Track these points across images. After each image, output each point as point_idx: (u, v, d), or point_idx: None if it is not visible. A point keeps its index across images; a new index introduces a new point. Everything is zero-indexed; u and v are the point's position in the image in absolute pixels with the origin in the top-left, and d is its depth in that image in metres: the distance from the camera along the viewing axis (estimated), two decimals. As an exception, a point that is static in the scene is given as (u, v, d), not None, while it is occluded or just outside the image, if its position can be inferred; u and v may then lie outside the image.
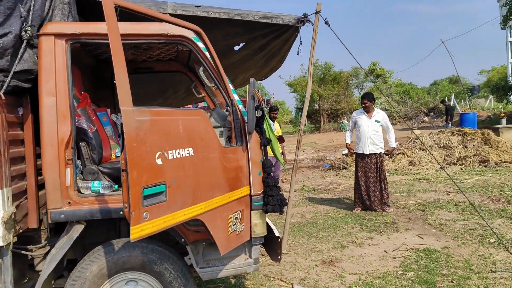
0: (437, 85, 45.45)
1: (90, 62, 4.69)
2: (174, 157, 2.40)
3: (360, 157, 7.24)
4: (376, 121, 7.02)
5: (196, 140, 2.60)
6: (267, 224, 3.63)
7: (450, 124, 18.13)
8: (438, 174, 10.17)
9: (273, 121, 8.38)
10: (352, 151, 7.64)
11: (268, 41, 5.47)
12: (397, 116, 35.16)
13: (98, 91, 4.94)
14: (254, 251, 3.31)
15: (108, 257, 2.97)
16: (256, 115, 3.22)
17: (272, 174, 3.26)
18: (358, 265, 4.84)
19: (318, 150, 19.74)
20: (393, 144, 7.29)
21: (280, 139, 8.27)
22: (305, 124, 41.08)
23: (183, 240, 3.07)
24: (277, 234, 3.48)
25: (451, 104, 23.33)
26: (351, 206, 7.58)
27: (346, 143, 7.75)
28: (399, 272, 4.52)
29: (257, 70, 6.84)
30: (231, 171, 3.00)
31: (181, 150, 2.45)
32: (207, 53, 3.18)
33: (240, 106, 3.22)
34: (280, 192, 3.29)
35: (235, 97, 3.19)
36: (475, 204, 6.94)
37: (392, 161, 11.82)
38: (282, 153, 8.55)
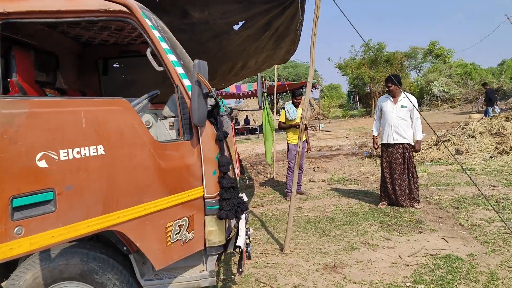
0: (505, 65, 41.98)
1: (70, 46, 4.38)
2: (70, 157, 1.99)
3: (385, 147, 6.51)
4: (402, 106, 6.19)
5: (110, 136, 2.17)
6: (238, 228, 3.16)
7: (491, 110, 16.44)
8: (486, 164, 9.11)
9: (297, 106, 7.78)
10: (377, 146, 6.85)
11: (270, 19, 4.90)
12: (457, 99, 32.87)
13: (84, 77, 4.64)
14: (210, 262, 2.85)
15: (44, 264, 2.64)
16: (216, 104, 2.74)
17: (228, 173, 2.77)
18: (363, 273, 4.25)
19: (363, 136, 18.76)
20: (418, 136, 6.33)
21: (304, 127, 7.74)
22: (357, 108, 39.59)
23: (125, 248, 2.67)
24: (240, 242, 2.99)
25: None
26: (378, 200, 6.88)
27: (373, 136, 6.96)
28: (408, 285, 3.88)
29: (270, 53, 6.28)
30: (171, 171, 2.54)
31: (82, 148, 2.03)
32: (155, 32, 2.72)
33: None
34: (239, 195, 2.79)
35: (185, 82, 2.71)
36: (520, 201, 6.03)
37: (437, 149, 10.81)
38: (306, 141, 7.95)
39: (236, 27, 5.04)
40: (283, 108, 7.92)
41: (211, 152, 2.72)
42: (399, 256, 4.58)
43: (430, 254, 4.54)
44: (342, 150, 14.56)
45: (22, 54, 3.07)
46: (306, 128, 7.80)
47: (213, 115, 2.72)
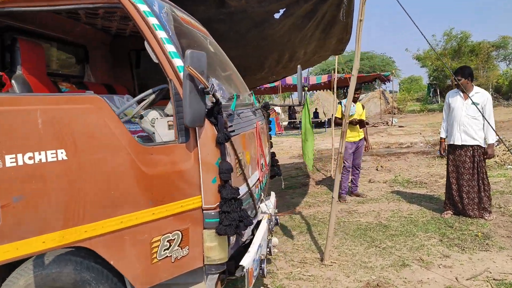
0: None
1: (99, 38, 4.24)
2: (20, 164, 1.73)
3: (452, 148, 5.72)
4: (474, 103, 5.32)
5: (75, 139, 1.88)
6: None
7: None
8: None
9: (355, 101, 7.17)
10: (445, 151, 6.01)
11: (314, 6, 4.42)
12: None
13: (115, 71, 4.49)
14: (210, 282, 2.50)
15: (37, 271, 2.46)
16: (212, 101, 2.37)
17: (229, 182, 2.38)
18: (409, 296, 3.67)
19: (439, 133, 17.31)
20: (490, 139, 5.40)
21: (361, 124, 7.11)
22: (437, 102, 37.05)
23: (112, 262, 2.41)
24: (245, 261, 2.59)
25: None
26: (442, 208, 6.11)
27: (441, 138, 6.13)
28: (461, 317, 3.26)
29: (320, 43, 5.77)
30: (158, 178, 2.22)
31: (37, 153, 1.77)
32: (151, 19, 2.42)
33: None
34: (241, 207, 2.40)
35: (182, 75, 2.36)
36: None
37: (521, 150, 9.53)
38: (365, 139, 7.32)
39: (277, 16, 4.61)
40: (340, 103, 7.35)
41: (211, 156, 2.36)
42: (456, 278, 3.91)
43: (494, 279, 3.82)
44: (413, 147, 13.50)
45: (29, 46, 2.91)
46: (363, 125, 7.18)
47: (214, 114, 2.35)
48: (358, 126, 7.08)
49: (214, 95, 2.26)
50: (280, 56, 5.85)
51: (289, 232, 5.70)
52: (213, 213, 2.38)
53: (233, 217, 2.32)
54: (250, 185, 2.92)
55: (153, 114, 2.67)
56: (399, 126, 22.40)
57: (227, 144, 2.45)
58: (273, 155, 4.43)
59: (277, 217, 3.98)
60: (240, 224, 2.36)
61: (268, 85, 22.88)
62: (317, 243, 5.17)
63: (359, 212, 6.43)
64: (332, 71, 20.21)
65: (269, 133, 4.41)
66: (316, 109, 29.56)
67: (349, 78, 15.57)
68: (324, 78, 23.49)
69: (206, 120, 2.36)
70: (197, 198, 2.37)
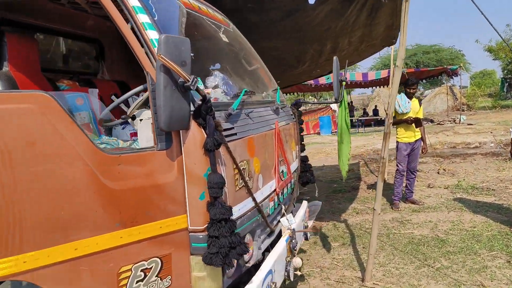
0: None
1: (115, 32, 3.93)
2: None
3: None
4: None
5: (9, 147, 1.50)
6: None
7: None
8: None
9: (410, 98, 6.42)
10: None
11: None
12: None
13: (133, 67, 4.18)
14: (200, 319, 2.05)
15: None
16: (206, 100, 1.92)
17: (220, 198, 1.91)
18: (465, 334, 3.00)
19: (510, 132, 15.69)
20: None
21: (417, 123, 6.33)
22: (511, 98, 34.12)
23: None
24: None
25: None
26: (512, 220, 5.26)
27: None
28: None
29: (366, 31, 5.14)
30: (128, 193, 1.80)
31: None
32: (132, 1, 2.01)
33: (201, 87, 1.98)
34: (234, 231, 1.93)
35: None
36: None
37: None
38: (422, 139, 6.53)
39: (311, 1, 4.07)
40: (392, 99, 6.61)
41: (198, 166, 1.91)
42: (527, 314, 3.18)
43: None
44: (482, 148, 12.24)
45: (18, 40, 2.63)
46: (420, 124, 6.39)
47: (202, 114, 1.89)
48: (414, 125, 6.32)
49: (198, 91, 1.80)
50: (321, 47, 5.27)
51: (329, 244, 5.13)
52: (201, 236, 1.93)
53: (222, 243, 1.86)
54: (261, 198, 2.44)
55: (147, 114, 2.27)
56: (468, 124, 20.70)
57: (222, 151, 1.99)
58: (305, 159, 3.90)
59: (307, 232, 3.45)
60: (231, 252, 1.88)
61: (325, 81, 22.13)
62: (360, 259, 4.56)
63: (413, 223, 5.70)
64: (393, 66, 19.02)
65: (301, 134, 3.90)
66: (376, 106, 28.25)
67: (411, 72, 14.49)
68: (384, 73, 22.22)
69: (193, 121, 1.92)
70: (182, 217, 1.93)
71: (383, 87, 28.33)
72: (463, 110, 27.24)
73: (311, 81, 23.33)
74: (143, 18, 2.00)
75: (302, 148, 3.90)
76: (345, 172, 3.92)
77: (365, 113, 27.44)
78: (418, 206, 6.45)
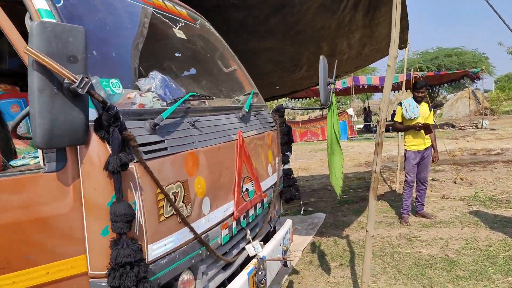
0: None
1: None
2: None
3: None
4: None
5: None
6: None
7: None
8: None
9: (419, 102, 5.88)
10: None
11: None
12: None
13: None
14: None
15: None
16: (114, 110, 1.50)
17: (125, 235, 1.48)
18: None
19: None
20: None
21: (427, 129, 5.78)
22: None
23: None
24: None
25: None
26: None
27: None
28: None
29: (366, 32, 4.74)
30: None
31: None
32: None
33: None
34: (144, 278, 1.49)
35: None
36: None
37: None
38: (433, 147, 5.97)
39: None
40: (399, 104, 6.09)
41: (100, 193, 1.49)
42: None
43: None
44: (504, 155, 11.50)
45: None
46: (430, 130, 5.83)
47: (104, 126, 1.47)
48: (423, 132, 5.77)
49: (91, 95, 1.38)
50: (317, 49, 4.81)
51: (326, 264, 4.64)
52: (104, 284, 1.49)
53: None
54: (207, 226, 2.00)
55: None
56: (490, 129, 19.77)
57: (137, 172, 1.56)
58: (288, 172, 3.45)
59: (287, 258, 2.98)
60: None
61: (341, 86, 21.51)
62: (357, 283, 4.06)
63: (422, 240, 5.15)
64: (412, 70, 18.29)
65: (287, 142, 3.45)
66: (394, 110, 27.44)
67: (431, 76, 13.82)
68: (401, 77, 21.49)
69: (94, 135, 1.49)
70: (80, 259, 1.51)
71: (398, 91, 27.60)
72: (486, 115, 26.18)
73: (350, 82, 22.86)
74: (39, 4, 1.59)
75: (286, 160, 3.44)
76: (339, 188, 3.44)
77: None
78: (429, 221, 5.88)
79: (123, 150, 1.53)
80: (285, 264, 3.01)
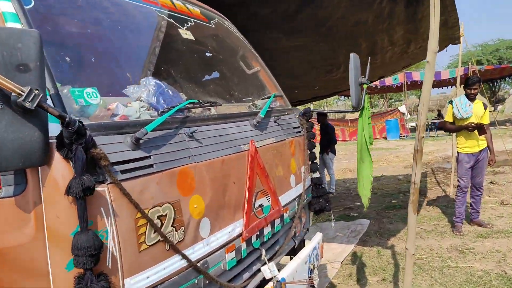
0: None
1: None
2: None
3: None
4: None
5: None
6: None
7: None
8: None
9: (472, 100, 5.34)
10: None
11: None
12: None
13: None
14: None
15: None
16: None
17: (90, 272, 1.27)
18: None
19: None
20: None
21: (481, 130, 5.24)
22: None
23: None
24: None
25: None
26: None
27: None
28: None
29: (410, 28, 4.32)
30: None
31: None
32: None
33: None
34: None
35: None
36: None
37: None
38: (489, 149, 5.39)
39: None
40: (450, 102, 5.57)
41: (64, 221, 1.29)
42: None
43: None
44: None
45: None
46: (484, 131, 5.26)
47: (66, 144, 1.27)
48: (476, 132, 5.22)
49: (43, 108, 1.19)
50: (354, 47, 4.44)
51: (365, 278, 4.28)
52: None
53: None
54: (205, 252, 1.77)
55: None
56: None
57: (111, 195, 1.35)
58: (318, 181, 3.15)
59: (313, 281, 2.69)
60: None
61: (392, 82, 20.61)
62: (399, 302, 3.69)
63: (476, 252, 4.64)
64: (469, 63, 17.14)
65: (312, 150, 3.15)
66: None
67: (491, 69, 12.86)
68: (459, 71, 20.25)
69: (57, 154, 1.30)
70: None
71: (453, 87, 26.03)
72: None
73: (377, 82, 21.94)
74: (4, 6, 1.42)
75: (314, 168, 3.15)
76: (367, 200, 3.10)
77: (439, 115, 25.32)
78: (485, 230, 5.33)
79: (93, 170, 1.33)
80: (312, 285, 2.72)
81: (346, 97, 26.54)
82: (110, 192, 1.36)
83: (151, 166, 1.54)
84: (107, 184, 1.36)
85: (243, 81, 2.99)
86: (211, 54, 2.74)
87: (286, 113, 2.94)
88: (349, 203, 7.76)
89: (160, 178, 1.56)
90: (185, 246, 1.64)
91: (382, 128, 21.33)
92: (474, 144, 5.30)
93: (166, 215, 1.55)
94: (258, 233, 2.20)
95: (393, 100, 40.16)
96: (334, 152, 8.83)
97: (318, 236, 3.07)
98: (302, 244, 3.16)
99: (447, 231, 5.49)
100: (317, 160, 3.21)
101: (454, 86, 26.43)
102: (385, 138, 20.73)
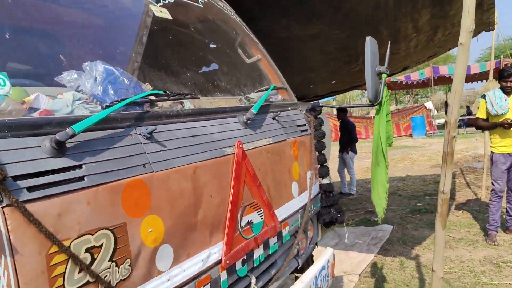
0: None
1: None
2: None
3: None
4: None
5: None
6: None
7: None
8: None
9: (508, 94, 4.76)
10: None
11: None
12: None
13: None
14: None
15: None
16: None
17: None
18: None
19: None
20: None
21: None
22: None
23: None
24: None
25: None
26: None
27: None
28: None
29: (436, 12, 3.80)
30: None
31: None
32: None
33: None
34: None
35: None
36: None
37: None
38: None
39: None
40: (483, 96, 4.99)
41: None
42: None
43: None
44: None
45: None
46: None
47: None
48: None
49: None
50: (375, 34, 3.95)
51: (385, 295, 3.80)
52: None
53: None
54: (172, 287, 1.35)
55: None
56: None
57: (12, 221, 0.95)
58: (328, 188, 2.69)
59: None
60: None
61: (418, 77, 19.75)
62: (425, 326, 3.20)
63: (513, 267, 4.10)
64: (502, 57, 16.22)
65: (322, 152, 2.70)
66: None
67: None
68: (490, 65, 19.21)
69: None
70: None
71: (485, 81, 24.84)
72: None
73: (402, 77, 21.12)
74: None
75: (324, 173, 2.69)
76: (382, 210, 2.62)
77: (468, 112, 24.28)
78: (525, 240, 4.76)
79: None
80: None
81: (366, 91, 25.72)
82: (6, 218, 0.95)
83: (80, 179, 1.13)
84: (1, 207, 0.95)
85: (237, 71, 2.56)
86: (197, 39, 2.31)
87: (290, 108, 2.49)
88: (370, 206, 7.21)
89: (94, 195, 1.15)
90: (132, 285, 1.23)
91: (408, 125, 20.53)
92: (510, 143, 4.72)
93: (101, 245, 1.14)
94: (245, 257, 1.76)
95: (419, 96, 38.94)
96: (354, 151, 8.31)
97: (328, 252, 2.62)
98: (310, 261, 2.72)
99: (479, 240, 4.93)
100: (328, 163, 2.75)
101: (484, 81, 25.37)
102: (410, 135, 19.93)
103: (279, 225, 2.01)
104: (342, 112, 8.24)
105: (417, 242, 5.10)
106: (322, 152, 2.70)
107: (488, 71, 18.67)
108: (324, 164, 2.71)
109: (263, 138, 2.00)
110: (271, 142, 2.05)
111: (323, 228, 2.80)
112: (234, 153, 1.73)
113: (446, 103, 26.26)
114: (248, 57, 2.67)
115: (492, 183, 4.93)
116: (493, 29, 5.62)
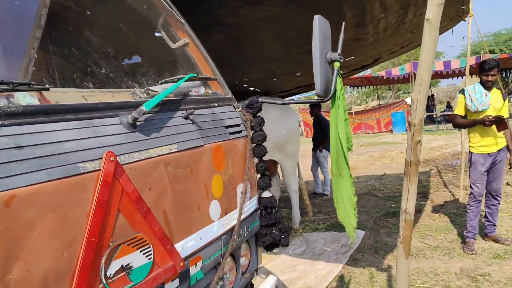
0: None
1: None
2: None
3: None
4: None
5: None
6: None
7: None
8: None
9: (489, 88, 4.31)
10: None
11: None
12: None
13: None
14: None
15: None
16: None
17: None
18: None
19: None
20: None
21: (501, 125, 4.21)
22: None
23: None
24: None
25: None
26: None
27: None
28: None
29: None
30: None
31: None
32: None
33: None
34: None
35: None
36: None
37: None
38: (508, 148, 4.36)
39: None
40: (462, 91, 4.54)
41: None
42: None
43: None
44: None
45: None
46: (505, 126, 4.22)
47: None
48: (495, 128, 4.20)
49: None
50: (338, 17, 3.41)
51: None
52: None
53: None
54: None
55: None
56: None
57: None
58: (268, 203, 2.18)
59: None
60: None
61: (399, 73, 19.38)
62: None
63: (492, 281, 3.67)
64: (482, 53, 15.91)
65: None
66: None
67: (505, 58, 11.53)
68: (471, 60, 18.89)
69: None
70: None
71: (463, 77, 24.67)
72: None
73: (383, 73, 20.77)
74: None
75: (265, 184, 2.17)
76: (352, 230, 2.13)
77: (448, 107, 24.09)
78: (504, 247, 4.35)
79: None
80: None
81: (353, 87, 25.34)
82: None
83: None
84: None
85: (157, 58, 2.02)
86: (108, 19, 1.77)
87: (216, 104, 1.96)
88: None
89: None
90: None
91: (388, 121, 20.23)
92: (491, 143, 4.29)
93: None
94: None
95: (401, 92, 38.76)
96: (328, 149, 7.83)
97: (270, 282, 2.11)
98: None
99: (456, 248, 4.51)
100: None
101: (464, 77, 25.19)
102: (391, 131, 19.64)
103: (182, 263, 1.48)
104: (315, 108, 7.77)
105: (389, 251, 4.66)
106: (263, 158, 2.18)
107: (464, 67, 18.45)
108: (265, 174, 2.19)
109: (161, 146, 1.47)
110: (174, 151, 1.52)
111: (284, 238, 2.29)
112: (100, 169, 1.20)
113: (428, 97, 26.03)
114: (174, 41, 2.14)
115: (471, 186, 4.50)
116: (467, 15, 5.16)
